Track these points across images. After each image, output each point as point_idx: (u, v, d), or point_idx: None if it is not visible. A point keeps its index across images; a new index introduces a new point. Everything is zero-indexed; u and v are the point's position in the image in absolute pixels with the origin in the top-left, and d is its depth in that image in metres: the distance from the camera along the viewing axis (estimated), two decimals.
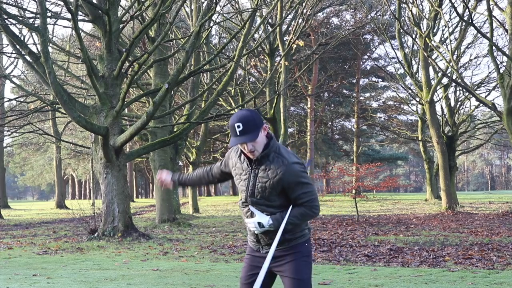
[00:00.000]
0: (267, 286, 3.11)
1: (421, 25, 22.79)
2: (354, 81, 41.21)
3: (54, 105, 14.90)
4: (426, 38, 20.26)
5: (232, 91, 25.39)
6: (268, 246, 3.06)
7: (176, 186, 3.54)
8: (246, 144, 2.91)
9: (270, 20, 24.95)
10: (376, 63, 39.35)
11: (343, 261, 8.54)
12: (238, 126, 2.87)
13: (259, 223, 2.98)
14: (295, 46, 23.60)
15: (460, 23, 22.79)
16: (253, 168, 3.01)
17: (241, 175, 3.06)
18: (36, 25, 11.35)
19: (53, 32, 18.36)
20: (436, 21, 22.84)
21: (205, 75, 24.54)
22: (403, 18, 24.06)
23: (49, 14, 13.45)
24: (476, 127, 30.14)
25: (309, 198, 2.97)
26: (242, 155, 3.07)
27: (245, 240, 11.85)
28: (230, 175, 3.27)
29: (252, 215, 3.06)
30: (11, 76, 18.92)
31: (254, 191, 2.99)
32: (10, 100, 18.41)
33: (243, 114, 2.90)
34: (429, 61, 21.92)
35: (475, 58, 26.41)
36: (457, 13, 16.51)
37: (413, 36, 23.36)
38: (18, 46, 12.40)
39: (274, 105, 22.42)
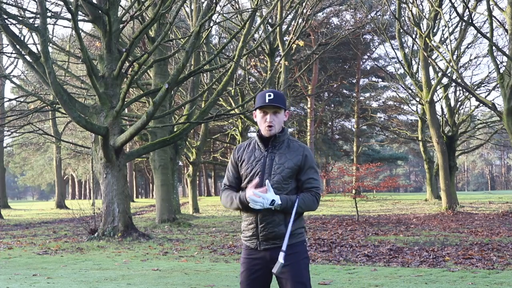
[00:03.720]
0: (267, 286, 3.10)
1: (421, 25, 22.78)
2: (354, 81, 41.18)
3: (54, 105, 14.90)
4: (426, 38, 20.26)
5: (232, 91, 25.38)
6: (266, 242, 3.00)
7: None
8: (269, 114, 3.03)
9: (270, 20, 24.94)
10: (376, 63, 39.33)
11: (343, 261, 8.54)
12: (269, 95, 3.04)
13: (272, 200, 2.88)
14: (295, 46, 23.59)
15: (460, 23, 22.77)
16: (269, 152, 3.07)
17: (253, 162, 3.07)
18: (36, 25, 11.35)
19: (53, 32, 18.36)
20: (436, 21, 22.83)
21: (205, 75, 24.53)
22: (403, 18, 24.05)
23: (49, 14, 13.45)
24: (476, 127, 30.10)
25: (317, 185, 3.07)
26: (251, 146, 3.13)
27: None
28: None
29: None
30: (11, 76, 18.88)
31: (271, 172, 3.01)
32: (10, 100, 18.40)
33: (275, 90, 3.12)
34: (429, 61, 21.91)
35: (475, 58, 26.36)
36: (457, 13, 16.50)
37: (413, 36, 23.34)
38: (18, 46, 12.40)
39: None
